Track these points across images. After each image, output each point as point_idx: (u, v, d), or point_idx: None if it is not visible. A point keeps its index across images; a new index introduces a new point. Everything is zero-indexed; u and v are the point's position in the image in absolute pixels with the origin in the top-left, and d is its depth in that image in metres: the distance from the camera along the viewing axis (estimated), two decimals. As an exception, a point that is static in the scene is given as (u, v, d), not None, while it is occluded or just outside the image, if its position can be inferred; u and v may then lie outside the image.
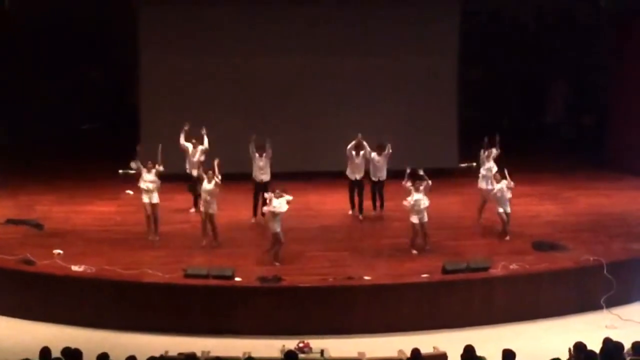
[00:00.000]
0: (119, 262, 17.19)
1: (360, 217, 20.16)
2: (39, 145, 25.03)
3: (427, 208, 17.77)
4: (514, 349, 12.08)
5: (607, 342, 12.63)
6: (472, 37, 23.98)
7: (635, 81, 23.44)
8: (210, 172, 18.17)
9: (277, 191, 17.41)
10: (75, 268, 16.69)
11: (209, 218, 18.23)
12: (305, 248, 18.27)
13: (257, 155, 19.46)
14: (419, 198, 17.68)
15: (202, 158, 19.78)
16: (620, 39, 23.97)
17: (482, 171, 19.66)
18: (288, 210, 17.34)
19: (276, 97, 22.85)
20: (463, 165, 23.17)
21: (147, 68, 22.58)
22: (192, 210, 20.06)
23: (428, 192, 17.79)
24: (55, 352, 12.10)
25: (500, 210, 18.54)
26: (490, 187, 18.98)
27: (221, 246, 17.86)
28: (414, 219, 17.74)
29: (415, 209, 17.70)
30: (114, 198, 21.18)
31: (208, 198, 18.10)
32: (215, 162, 18.24)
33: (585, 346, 12.33)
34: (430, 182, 17.87)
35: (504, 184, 18.43)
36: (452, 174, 22.34)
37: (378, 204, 20.27)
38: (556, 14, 26.71)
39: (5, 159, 23.39)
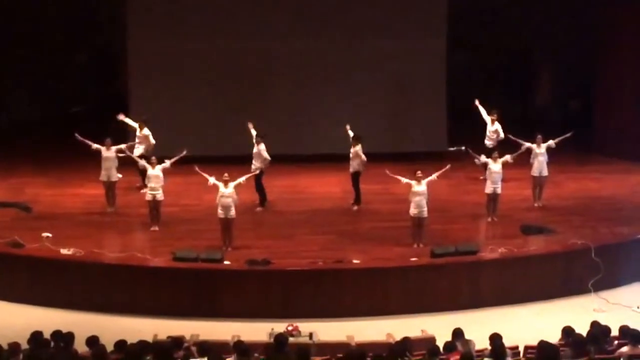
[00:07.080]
0: (108, 246, 17.23)
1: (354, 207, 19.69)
2: (29, 128, 24.93)
3: (427, 204, 17.26)
4: (501, 333, 12.15)
5: (594, 325, 12.73)
6: (460, 19, 23.91)
7: (621, 64, 23.44)
8: (154, 158, 18.15)
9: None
10: (64, 251, 16.68)
11: (155, 205, 18.14)
12: (295, 231, 18.28)
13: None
14: (416, 191, 17.21)
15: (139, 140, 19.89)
16: (605, 22, 23.91)
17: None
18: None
19: (264, 79, 22.80)
20: (452, 148, 23.11)
21: (136, 51, 22.52)
22: (144, 190, 19.73)
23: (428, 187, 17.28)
24: (44, 336, 12.08)
25: (490, 190, 18.57)
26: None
27: (211, 230, 17.83)
28: (411, 211, 17.33)
29: (413, 201, 17.28)
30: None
31: (153, 184, 18.02)
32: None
33: (573, 330, 12.40)
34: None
35: (500, 162, 18.48)
36: (441, 158, 22.27)
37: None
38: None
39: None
